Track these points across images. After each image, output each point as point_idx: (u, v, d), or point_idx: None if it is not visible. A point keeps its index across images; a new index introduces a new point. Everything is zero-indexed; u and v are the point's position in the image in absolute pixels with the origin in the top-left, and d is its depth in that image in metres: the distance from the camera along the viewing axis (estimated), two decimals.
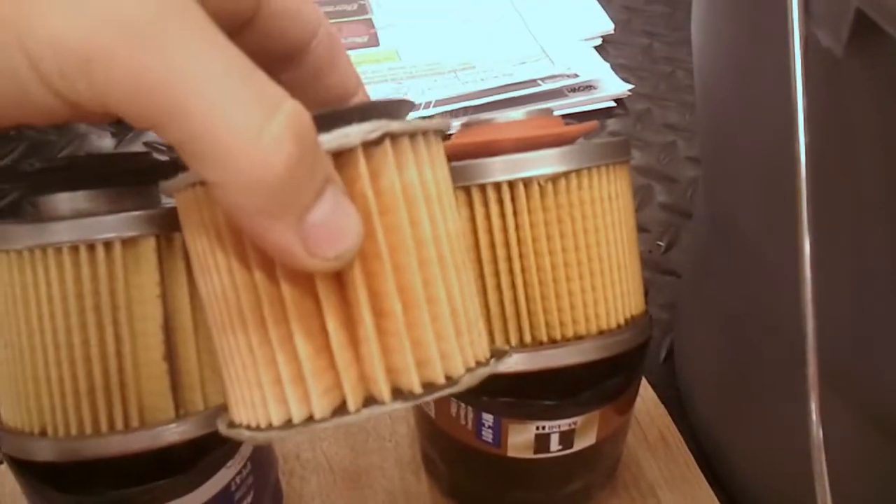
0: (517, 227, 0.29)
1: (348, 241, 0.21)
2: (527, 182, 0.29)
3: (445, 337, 0.24)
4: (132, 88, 0.19)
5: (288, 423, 0.23)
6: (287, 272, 0.22)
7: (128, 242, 0.29)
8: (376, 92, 0.68)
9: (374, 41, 0.74)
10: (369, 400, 0.23)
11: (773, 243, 0.32)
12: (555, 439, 0.33)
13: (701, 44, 0.37)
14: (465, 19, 0.76)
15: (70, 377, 0.28)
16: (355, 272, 0.23)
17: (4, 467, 0.40)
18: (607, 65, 0.71)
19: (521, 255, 0.29)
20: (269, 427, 0.23)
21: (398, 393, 0.23)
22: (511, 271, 0.30)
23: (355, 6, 0.78)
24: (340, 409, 0.23)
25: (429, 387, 0.23)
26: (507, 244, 0.29)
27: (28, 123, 0.22)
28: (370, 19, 0.76)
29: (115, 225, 0.29)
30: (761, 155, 0.32)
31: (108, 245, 0.28)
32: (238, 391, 0.24)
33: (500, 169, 0.29)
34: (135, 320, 0.29)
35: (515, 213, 0.29)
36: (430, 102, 0.66)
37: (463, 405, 0.33)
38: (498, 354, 0.26)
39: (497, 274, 0.30)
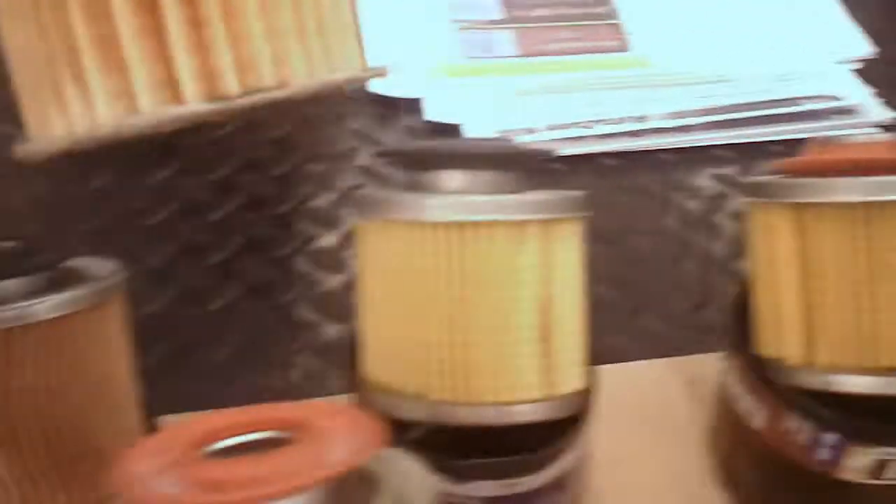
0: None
1: None
2: None
3: (281, 35, 0.21)
4: None
5: (68, 134, 0.20)
6: None
7: (511, 224, 0.30)
8: (621, 98, 0.68)
9: (622, 46, 0.74)
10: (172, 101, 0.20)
11: None
12: (893, 466, 0.33)
13: None
14: (721, 29, 0.75)
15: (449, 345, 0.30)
16: None
17: None
18: (868, 89, 0.69)
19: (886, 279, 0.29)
20: (53, 137, 0.20)
21: (213, 95, 0.20)
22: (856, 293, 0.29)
23: (602, 10, 0.78)
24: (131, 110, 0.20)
25: (251, 91, 0.21)
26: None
27: None
28: (618, 24, 0.76)
29: (498, 207, 0.30)
30: None
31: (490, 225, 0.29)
32: (35, 95, 0.21)
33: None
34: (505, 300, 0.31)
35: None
36: (682, 113, 0.66)
37: (802, 421, 0.33)
38: (368, 72, 0.24)
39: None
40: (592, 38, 0.75)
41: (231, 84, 0.20)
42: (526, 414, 0.31)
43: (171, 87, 0.19)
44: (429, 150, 0.32)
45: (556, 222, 0.31)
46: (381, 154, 0.51)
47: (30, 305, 0.28)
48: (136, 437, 0.32)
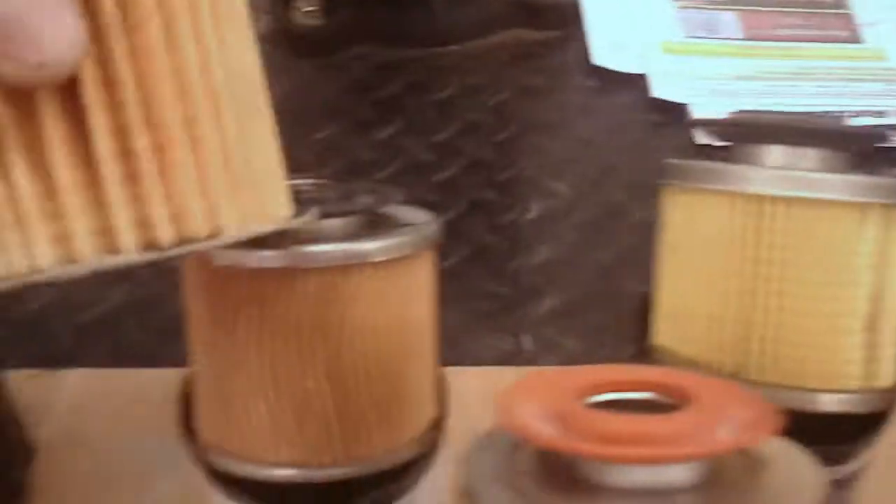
0: None
1: (55, 50, 0.18)
2: None
3: (211, 186, 0.21)
4: None
5: (5, 277, 0.19)
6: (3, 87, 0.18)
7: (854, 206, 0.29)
8: (857, 91, 0.65)
9: (854, 37, 0.71)
10: (107, 249, 0.20)
11: None
12: None
13: None
14: None
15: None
16: (91, 99, 0.19)
17: None
18: None
19: None
20: None
21: (148, 245, 0.20)
22: None
23: None
24: (69, 258, 0.20)
25: (184, 241, 0.20)
26: None
27: None
28: (849, 14, 0.73)
29: (842, 186, 0.29)
30: None
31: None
32: None
33: None
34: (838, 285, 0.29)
35: None
36: None
37: None
38: (289, 216, 0.23)
39: None
40: (821, 26, 0.72)
41: (165, 235, 0.20)
42: (846, 404, 0.29)
43: (107, 235, 0.20)
44: (755, 121, 0.31)
45: (894, 208, 0.29)
46: (698, 124, 0.50)
47: (367, 245, 0.29)
48: (435, 386, 0.33)
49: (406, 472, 0.32)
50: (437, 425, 0.33)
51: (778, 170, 0.30)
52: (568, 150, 0.62)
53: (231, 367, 0.29)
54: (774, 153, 0.31)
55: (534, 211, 0.57)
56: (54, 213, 0.19)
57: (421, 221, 0.31)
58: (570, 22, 0.70)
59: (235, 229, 0.21)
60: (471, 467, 0.22)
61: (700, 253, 0.31)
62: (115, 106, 0.19)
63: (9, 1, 0.17)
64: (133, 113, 0.20)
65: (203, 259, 0.28)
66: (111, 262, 0.20)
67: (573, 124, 0.64)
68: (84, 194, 0.20)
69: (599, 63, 0.67)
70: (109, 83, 0.19)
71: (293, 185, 0.29)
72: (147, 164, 0.20)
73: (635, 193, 0.57)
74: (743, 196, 0.30)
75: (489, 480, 0.22)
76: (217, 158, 0.21)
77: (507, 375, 0.40)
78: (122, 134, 0.20)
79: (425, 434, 0.32)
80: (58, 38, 0.18)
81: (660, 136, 0.63)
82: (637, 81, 0.67)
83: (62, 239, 0.19)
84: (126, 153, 0.20)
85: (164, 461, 0.40)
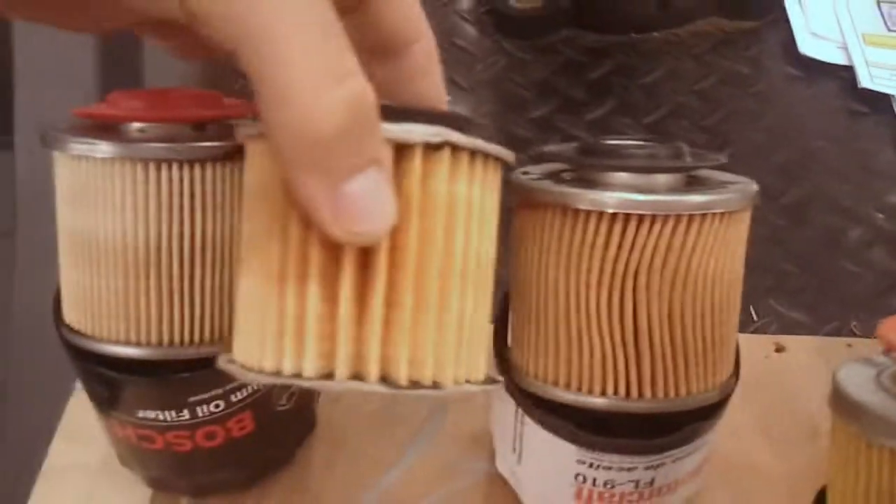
0: None
1: (375, 224, 0.23)
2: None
3: (444, 345, 0.25)
4: (232, 10, 0.20)
5: (277, 373, 0.24)
6: (322, 235, 0.23)
7: None
8: None
9: None
10: (356, 376, 0.24)
11: None
12: None
13: None
14: None
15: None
16: (381, 257, 0.24)
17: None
18: None
19: None
20: (261, 371, 0.24)
21: (384, 380, 0.24)
22: None
23: None
24: (327, 375, 0.24)
25: (414, 384, 0.24)
26: None
27: (146, 19, 0.25)
28: None
29: None
30: None
31: None
32: (244, 332, 0.25)
33: None
34: None
35: None
36: None
37: None
38: (489, 381, 0.27)
39: None
40: None
41: (401, 375, 0.24)
42: None
43: (358, 363, 0.24)
44: None
45: None
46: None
47: (713, 198, 0.32)
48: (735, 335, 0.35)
49: (713, 412, 0.35)
50: (736, 373, 0.36)
51: None
52: (773, 136, 0.64)
53: (574, 305, 0.33)
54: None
55: None
56: (328, 336, 0.24)
57: (740, 181, 0.34)
58: (769, 11, 0.72)
59: (453, 386, 0.25)
60: (842, 380, 0.25)
61: None
62: (395, 267, 0.24)
63: (359, 184, 0.22)
64: (407, 276, 0.24)
65: (561, 201, 0.32)
66: (355, 387, 0.24)
67: (777, 111, 0.66)
68: (353, 327, 0.24)
69: (804, 52, 0.68)
70: (396, 250, 0.24)
71: (631, 144, 0.33)
72: (404, 315, 0.24)
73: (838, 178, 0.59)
74: None
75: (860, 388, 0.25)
76: (453, 326, 0.25)
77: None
78: (394, 289, 0.24)
79: (729, 379, 0.35)
80: (378, 217, 0.23)
81: (864, 124, 0.65)
82: (840, 72, 0.68)
83: (326, 357, 0.24)
84: (392, 304, 0.24)
85: (439, 408, 0.45)
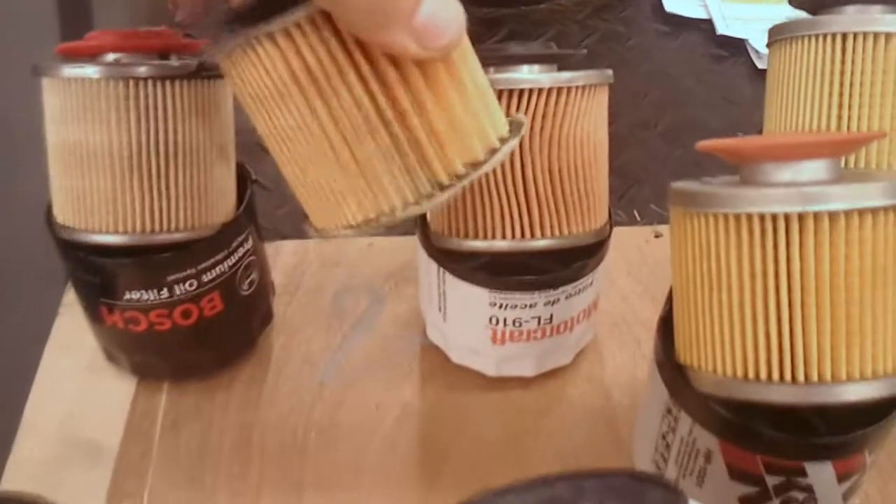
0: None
1: (453, 31, 0.27)
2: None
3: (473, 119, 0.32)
4: None
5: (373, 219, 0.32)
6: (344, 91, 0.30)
7: None
8: None
9: None
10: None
11: None
12: None
13: None
14: None
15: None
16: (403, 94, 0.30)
17: None
18: None
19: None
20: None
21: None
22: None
23: None
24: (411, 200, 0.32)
25: (493, 151, 0.32)
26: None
27: None
28: None
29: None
30: None
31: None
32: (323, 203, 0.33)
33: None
34: None
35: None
36: None
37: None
38: (515, 127, 0.34)
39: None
40: None
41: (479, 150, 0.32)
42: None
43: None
44: None
45: None
46: None
47: (575, 75, 0.41)
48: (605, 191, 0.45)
49: (593, 251, 0.44)
50: (610, 224, 0.45)
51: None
52: (648, 79, 0.74)
53: None
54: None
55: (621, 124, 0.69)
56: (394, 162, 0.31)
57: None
58: None
59: (499, 146, 0.33)
60: (674, 185, 0.34)
61: None
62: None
63: (424, 9, 0.26)
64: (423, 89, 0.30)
65: None
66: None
67: (650, 60, 0.76)
68: (403, 145, 0.31)
69: (670, 10, 0.79)
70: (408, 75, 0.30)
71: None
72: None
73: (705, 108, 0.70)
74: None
75: (689, 185, 0.33)
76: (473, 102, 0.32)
77: None
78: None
79: (604, 227, 0.44)
80: (453, 23, 0.27)
81: (724, 65, 0.75)
82: (701, 25, 0.79)
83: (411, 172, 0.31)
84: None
85: (377, 301, 0.53)
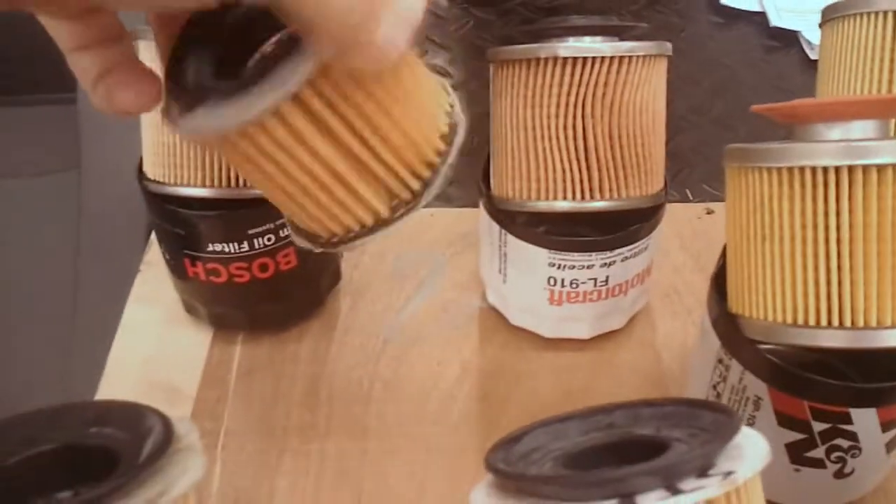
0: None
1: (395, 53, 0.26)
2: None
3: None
4: None
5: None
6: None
7: None
8: None
9: None
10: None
11: None
12: None
13: None
14: None
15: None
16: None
17: None
18: None
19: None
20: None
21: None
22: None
23: None
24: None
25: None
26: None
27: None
28: None
29: None
30: None
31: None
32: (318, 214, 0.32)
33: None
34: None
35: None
36: None
37: None
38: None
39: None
40: None
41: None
42: None
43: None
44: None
45: None
46: None
47: (636, 45, 0.43)
48: (661, 158, 0.47)
49: (649, 215, 0.46)
50: (665, 190, 0.47)
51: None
52: (701, 67, 0.76)
53: (539, 134, 0.44)
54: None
55: (675, 108, 0.71)
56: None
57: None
58: None
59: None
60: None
61: None
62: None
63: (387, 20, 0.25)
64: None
65: (526, 56, 0.43)
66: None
67: (704, 49, 0.78)
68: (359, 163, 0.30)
69: (724, 1, 0.81)
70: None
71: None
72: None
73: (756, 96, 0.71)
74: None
75: None
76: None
77: None
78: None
79: (659, 192, 0.46)
80: (400, 45, 0.26)
81: (776, 55, 0.77)
82: (754, 17, 0.81)
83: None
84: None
85: (438, 266, 0.55)
